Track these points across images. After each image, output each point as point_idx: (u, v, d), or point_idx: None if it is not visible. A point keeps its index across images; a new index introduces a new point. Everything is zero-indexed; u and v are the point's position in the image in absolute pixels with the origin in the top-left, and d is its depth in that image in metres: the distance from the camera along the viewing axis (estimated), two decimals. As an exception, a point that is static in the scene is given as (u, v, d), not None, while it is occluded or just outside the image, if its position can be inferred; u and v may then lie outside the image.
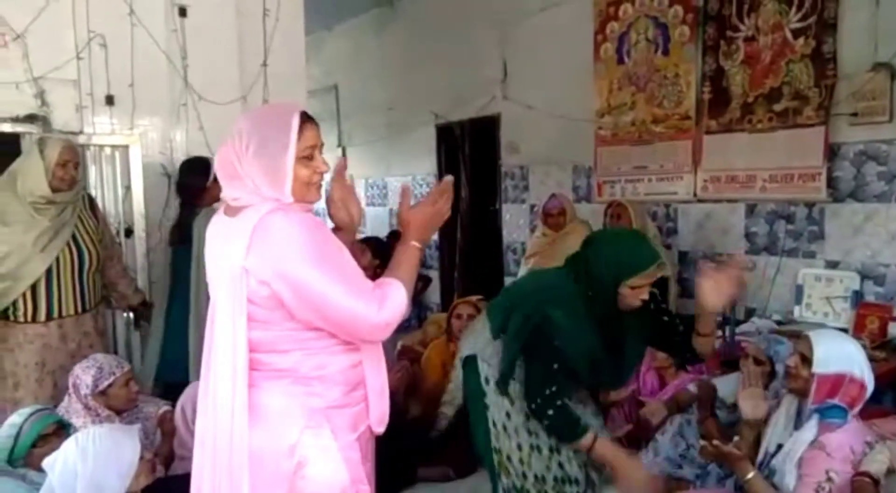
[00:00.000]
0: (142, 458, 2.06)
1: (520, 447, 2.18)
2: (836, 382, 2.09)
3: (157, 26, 3.55)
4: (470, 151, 6.09)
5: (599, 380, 2.23)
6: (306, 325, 1.47)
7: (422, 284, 5.65)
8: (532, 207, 5.41)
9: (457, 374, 2.42)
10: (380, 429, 1.63)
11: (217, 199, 1.61)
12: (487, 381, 2.21)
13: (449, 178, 1.64)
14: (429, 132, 6.40)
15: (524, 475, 2.17)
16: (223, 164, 1.49)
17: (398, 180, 6.99)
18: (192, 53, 3.66)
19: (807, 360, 2.14)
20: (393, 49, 6.77)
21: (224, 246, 1.46)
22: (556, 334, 2.06)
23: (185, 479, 1.62)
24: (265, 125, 1.47)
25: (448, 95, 6.05)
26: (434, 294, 6.48)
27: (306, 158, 1.48)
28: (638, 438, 3.25)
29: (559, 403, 2.07)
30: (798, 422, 2.21)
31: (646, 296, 2.08)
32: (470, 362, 2.26)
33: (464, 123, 6.03)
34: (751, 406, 2.31)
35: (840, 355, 2.11)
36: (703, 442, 2.20)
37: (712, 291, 2.06)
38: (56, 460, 1.99)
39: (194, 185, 3.20)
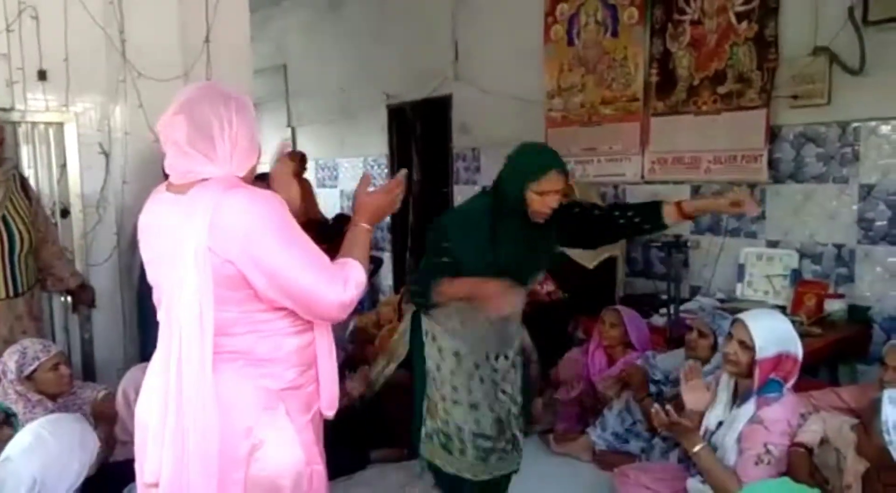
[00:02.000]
0: None
1: (443, 398, 2.33)
2: (776, 361, 2.16)
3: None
4: (422, 132, 6.06)
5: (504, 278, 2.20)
6: (266, 306, 1.46)
7: (374, 265, 5.60)
8: (483, 188, 5.40)
9: (404, 328, 2.53)
10: (329, 413, 1.63)
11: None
12: (426, 334, 2.35)
13: (403, 171, 1.72)
14: (380, 113, 6.34)
15: (447, 422, 2.33)
16: (181, 129, 1.44)
17: (349, 161, 6.91)
18: (130, 28, 3.51)
19: (745, 345, 2.19)
20: (344, 28, 6.65)
21: (182, 225, 1.40)
22: (446, 235, 2.19)
23: (129, 465, 1.58)
24: (244, 100, 1.51)
25: (400, 75, 5.99)
26: (387, 276, 6.46)
27: None
28: (586, 414, 3.33)
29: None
30: (736, 398, 2.28)
31: (554, 204, 2.13)
32: (415, 317, 2.40)
33: (416, 103, 5.99)
34: (693, 399, 2.36)
35: (776, 337, 2.19)
36: (656, 407, 2.25)
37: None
38: (11, 450, 1.93)
39: None
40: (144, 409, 1.53)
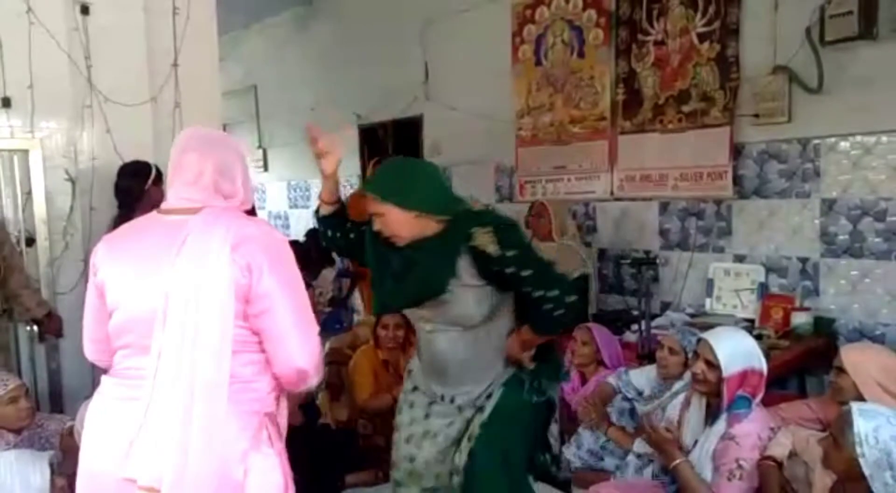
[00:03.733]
0: (53, 485, 1.96)
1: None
2: (741, 377, 2.20)
3: (57, 25, 3.36)
4: (394, 152, 6.07)
5: (383, 292, 2.13)
6: (244, 328, 1.49)
7: (350, 283, 5.56)
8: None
9: None
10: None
11: (157, 203, 1.62)
12: (408, 373, 2.31)
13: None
14: (352, 133, 6.34)
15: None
16: (208, 171, 1.54)
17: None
18: (96, 53, 3.48)
19: (711, 364, 2.23)
20: (313, 49, 6.67)
21: (194, 233, 1.45)
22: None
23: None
24: (239, 144, 1.69)
25: (371, 96, 6.01)
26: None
27: None
28: (561, 431, 3.33)
29: None
30: (708, 417, 2.31)
31: (379, 225, 1.97)
32: None
33: (387, 124, 6.01)
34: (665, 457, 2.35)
35: (740, 353, 2.23)
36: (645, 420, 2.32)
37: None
38: None
39: (134, 188, 3.23)
40: (104, 459, 1.47)
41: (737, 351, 2.23)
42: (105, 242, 1.60)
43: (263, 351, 1.52)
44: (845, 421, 1.79)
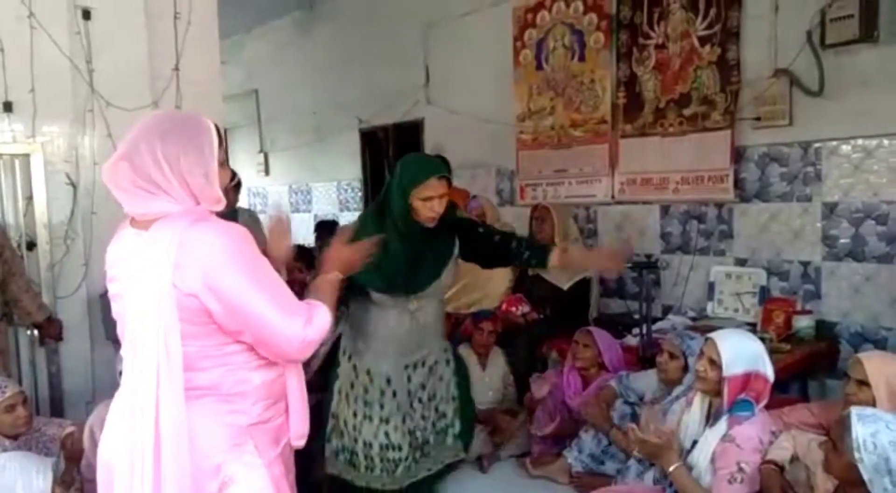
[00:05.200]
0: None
1: (355, 415, 2.48)
2: (745, 380, 2.19)
3: (59, 29, 3.37)
4: (395, 155, 6.08)
5: (394, 284, 2.39)
6: (231, 339, 1.45)
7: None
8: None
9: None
10: (300, 443, 1.64)
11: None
12: (344, 352, 2.53)
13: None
14: (353, 137, 6.36)
15: (355, 440, 2.47)
16: (124, 174, 1.41)
17: (323, 186, 6.90)
18: (98, 57, 3.49)
19: (714, 363, 2.23)
20: (314, 53, 6.69)
21: (145, 261, 1.39)
22: None
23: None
24: (191, 131, 1.43)
25: (372, 99, 6.02)
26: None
27: (220, 164, 1.48)
28: (563, 436, 3.32)
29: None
30: (709, 418, 2.30)
31: (438, 208, 2.29)
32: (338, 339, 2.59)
33: (388, 127, 6.02)
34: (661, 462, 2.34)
35: (745, 355, 2.22)
36: (630, 427, 2.34)
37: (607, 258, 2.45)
38: None
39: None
40: (110, 449, 1.50)
41: (741, 352, 2.22)
42: (107, 253, 1.60)
43: (247, 362, 1.48)
44: (844, 426, 1.77)
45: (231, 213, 4.43)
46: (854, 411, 1.80)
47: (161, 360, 1.37)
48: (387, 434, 2.45)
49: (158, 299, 1.36)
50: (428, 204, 2.28)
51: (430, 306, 2.52)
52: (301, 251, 4.27)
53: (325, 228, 5.14)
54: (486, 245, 2.49)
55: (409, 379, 2.51)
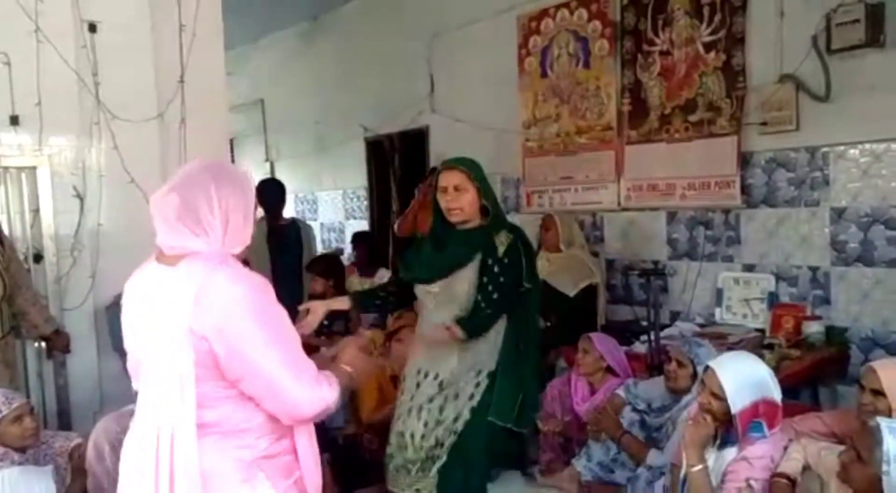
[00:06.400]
0: None
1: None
2: (753, 410, 2.11)
3: (66, 43, 3.39)
4: (400, 164, 6.08)
5: (410, 268, 2.55)
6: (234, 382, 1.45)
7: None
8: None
9: None
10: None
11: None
12: None
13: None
14: (358, 146, 6.37)
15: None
16: (172, 206, 1.46)
17: (329, 195, 6.91)
18: (103, 70, 3.51)
19: (717, 397, 2.13)
20: (320, 63, 6.71)
21: (167, 299, 1.42)
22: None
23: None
24: (238, 178, 1.54)
25: (377, 108, 6.03)
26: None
27: None
28: (570, 444, 3.30)
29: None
30: (716, 439, 2.23)
31: (451, 200, 2.38)
32: None
33: (393, 136, 6.02)
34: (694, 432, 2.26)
35: (750, 384, 2.12)
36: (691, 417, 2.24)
37: None
38: None
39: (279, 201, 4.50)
40: (128, 478, 1.50)
41: (745, 383, 2.11)
42: (127, 284, 1.60)
43: (249, 401, 1.47)
44: (874, 438, 1.73)
45: (291, 223, 4.66)
46: (884, 423, 1.76)
47: (176, 400, 1.39)
48: (391, 432, 2.55)
49: (178, 340, 1.39)
50: (443, 196, 2.39)
51: (449, 308, 2.41)
52: (323, 261, 4.25)
53: (362, 239, 5.08)
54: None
55: (417, 385, 2.51)
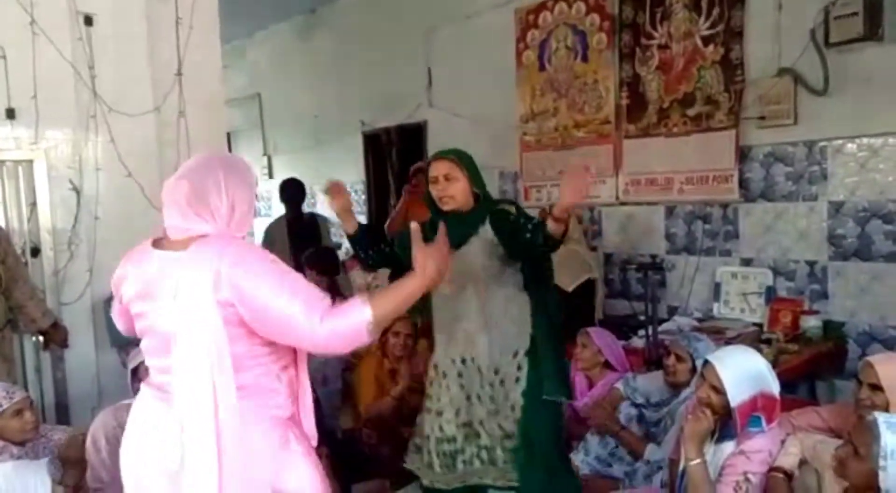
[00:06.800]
0: None
1: (422, 409, 2.58)
2: (752, 403, 2.11)
3: (62, 36, 3.37)
4: (398, 158, 6.07)
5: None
6: (262, 341, 1.58)
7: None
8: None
9: None
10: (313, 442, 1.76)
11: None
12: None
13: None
14: (356, 140, 6.35)
15: (420, 433, 2.55)
16: (183, 192, 1.58)
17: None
18: (100, 63, 3.49)
19: (717, 390, 2.13)
20: (317, 56, 6.68)
21: (186, 278, 1.52)
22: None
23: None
24: (244, 169, 1.68)
25: (374, 102, 6.02)
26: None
27: None
28: (569, 437, 3.31)
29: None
30: (714, 433, 2.23)
31: (442, 189, 2.42)
32: None
33: (390, 130, 6.01)
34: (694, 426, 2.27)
35: (749, 377, 2.12)
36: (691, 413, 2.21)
37: (567, 187, 2.22)
38: None
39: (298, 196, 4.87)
40: (135, 463, 1.61)
41: (744, 376, 2.11)
42: (124, 259, 1.71)
43: (277, 360, 1.62)
44: (871, 433, 1.73)
45: (311, 217, 4.97)
46: (881, 418, 1.75)
47: (214, 363, 1.50)
48: (441, 427, 2.46)
49: (206, 309, 1.50)
50: (434, 186, 2.44)
51: (473, 295, 2.42)
52: (318, 256, 4.21)
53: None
54: (512, 238, 2.40)
55: (459, 374, 2.47)
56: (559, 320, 2.56)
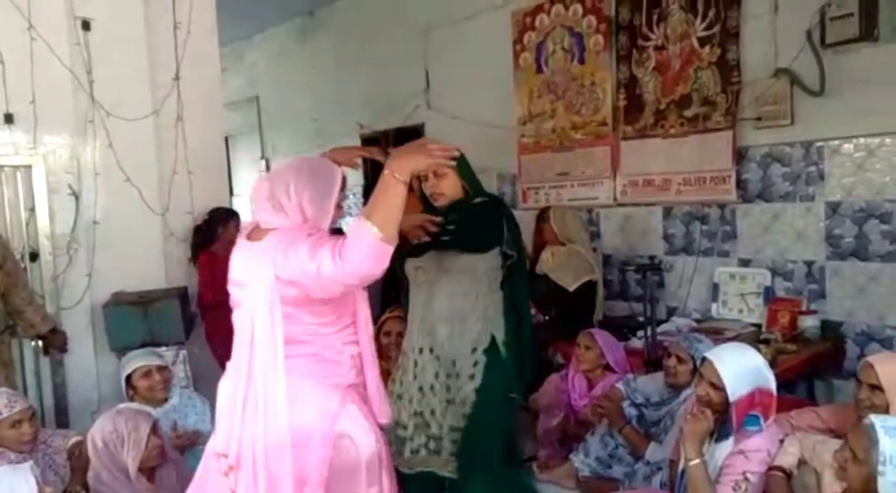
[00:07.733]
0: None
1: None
2: (750, 399, 2.13)
3: (59, 41, 3.39)
4: (396, 160, 6.06)
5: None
6: (323, 320, 1.83)
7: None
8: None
9: None
10: (384, 420, 1.97)
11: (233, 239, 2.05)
12: None
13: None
14: (354, 143, 6.35)
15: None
16: (264, 190, 1.85)
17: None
18: (98, 68, 3.50)
19: (716, 387, 2.14)
20: (315, 59, 6.69)
21: (259, 260, 1.79)
22: None
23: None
24: (320, 176, 1.87)
25: (372, 104, 6.02)
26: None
27: (338, 204, 1.91)
28: (569, 439, 3.31)
29: None
30: (713, 433, 2.24)
31: (432, 185, 2.47)
32: None
33: (389, 132, 6.01)
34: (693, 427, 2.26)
35: (747, 373, 2.14)
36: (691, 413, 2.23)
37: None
38: None
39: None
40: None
41: (742, 372, 2.13)
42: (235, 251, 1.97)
43: (337, 340, 1.86)
44: (869, 438, 1.73)
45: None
46: (878, 422, 1.74)
47: (268, 335, 1.77)
48: (398, 412, 2.49)
49: (267, 286, 1.76)
50: (425, 184, 2.49)
51: (444, 286, 2.46)
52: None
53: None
54: None
55: (415, 363, 2.52)
56: (529, 323, 2.61)
